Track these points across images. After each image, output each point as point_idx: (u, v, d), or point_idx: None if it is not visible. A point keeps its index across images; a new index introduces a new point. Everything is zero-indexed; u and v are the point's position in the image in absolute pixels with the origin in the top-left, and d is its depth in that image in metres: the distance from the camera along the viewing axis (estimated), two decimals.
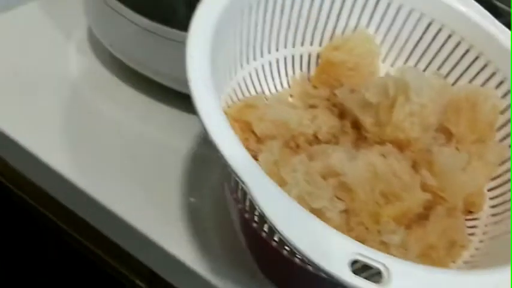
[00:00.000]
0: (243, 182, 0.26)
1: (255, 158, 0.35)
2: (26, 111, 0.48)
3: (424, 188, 0.35)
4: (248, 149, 0.32)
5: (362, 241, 0.33)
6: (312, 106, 0.42)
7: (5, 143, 0.47)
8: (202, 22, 0.33)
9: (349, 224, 0.34)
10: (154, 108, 0.50)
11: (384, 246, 0.33)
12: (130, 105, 0.50)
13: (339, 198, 0.34)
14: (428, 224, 0.35)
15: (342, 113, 0.41)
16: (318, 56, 0.43)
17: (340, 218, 0.33)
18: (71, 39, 0.55)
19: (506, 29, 0.41)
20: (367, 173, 0.35)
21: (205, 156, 0.48)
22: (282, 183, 0.33)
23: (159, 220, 0.43)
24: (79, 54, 0.53)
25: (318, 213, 0.32)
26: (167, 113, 0.50)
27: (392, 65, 0.44)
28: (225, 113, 0.33)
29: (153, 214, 0.44)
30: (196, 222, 0.44)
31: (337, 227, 0.32)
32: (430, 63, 0.43)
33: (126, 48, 0.48)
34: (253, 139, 0.37)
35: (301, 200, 0.32)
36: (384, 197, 0.34)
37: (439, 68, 0.43)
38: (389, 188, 0.35)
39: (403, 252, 0.34)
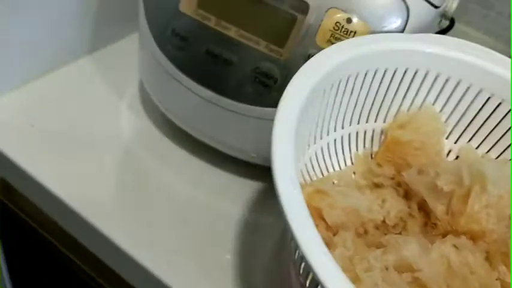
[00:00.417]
0: None
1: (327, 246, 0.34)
2: (75, 171, 0.48)
3: (503, 285, 0.34)
4: None
5: None
6: (377, 185, 0.41)
7: (53, 202, 0.47)
8: (288, 110, 0.32)
9: None
10: (206, 172, 0.50)
11: None
12: (181, 167, 0.49)
13: None
14: None
15: (407, 193, 0.40)
16: (382, 132, 0.43)
17: None
18: (122, 95, 0.54)
19: None
20: (441, 266, 0.34)
21: (257, 222, 0.47)
22: (356, 279, 0.32)
23: None
24: (130, 113, 0.53)
25: None
26: (219, 176, 0.49)
27: (455, 142, 0.43)
28: None
29: (204, 284, 0.43)
30: None
31: None
32: (495, 144, 0.42)
33: (182, 113, 0.47)
34: (323, 226, 0.36)
35: None
36: None
37: (505, 150, 0.42)
38: (465, 285, 0.34)
39: None
